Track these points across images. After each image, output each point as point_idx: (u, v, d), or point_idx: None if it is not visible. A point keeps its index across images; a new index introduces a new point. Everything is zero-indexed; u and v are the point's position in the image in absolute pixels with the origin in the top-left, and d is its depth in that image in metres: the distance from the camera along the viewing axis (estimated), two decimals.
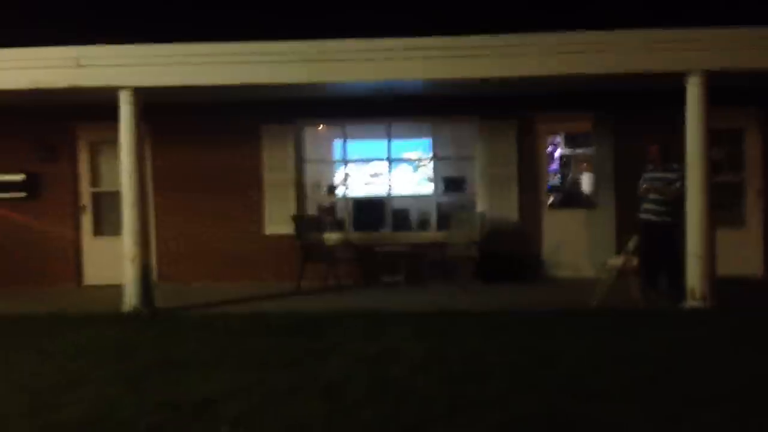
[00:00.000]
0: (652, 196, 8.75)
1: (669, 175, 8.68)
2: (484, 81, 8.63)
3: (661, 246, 8.70)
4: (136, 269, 8.41)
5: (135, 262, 8.41)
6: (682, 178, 8.51)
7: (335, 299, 9.35)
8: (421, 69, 8.45)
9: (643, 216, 8.86)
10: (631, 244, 8.54)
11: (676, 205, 8.63)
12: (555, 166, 12.99)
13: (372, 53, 8.38)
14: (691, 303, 8.18)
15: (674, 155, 8.83)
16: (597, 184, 10.78)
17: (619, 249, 9.83)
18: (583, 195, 11.92)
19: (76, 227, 10.85)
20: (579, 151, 12.34)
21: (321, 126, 11.32)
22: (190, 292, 10.09)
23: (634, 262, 8.52)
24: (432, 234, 10.79)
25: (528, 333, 6.97)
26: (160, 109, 10.01)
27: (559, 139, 12.93)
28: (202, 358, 6.21)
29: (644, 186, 8.86)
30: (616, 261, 8.60)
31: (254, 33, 8.50)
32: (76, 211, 10.87)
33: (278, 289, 9.94)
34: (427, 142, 11.40)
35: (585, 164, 11.90)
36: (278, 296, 9.59)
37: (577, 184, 12.77)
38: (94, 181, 10.84)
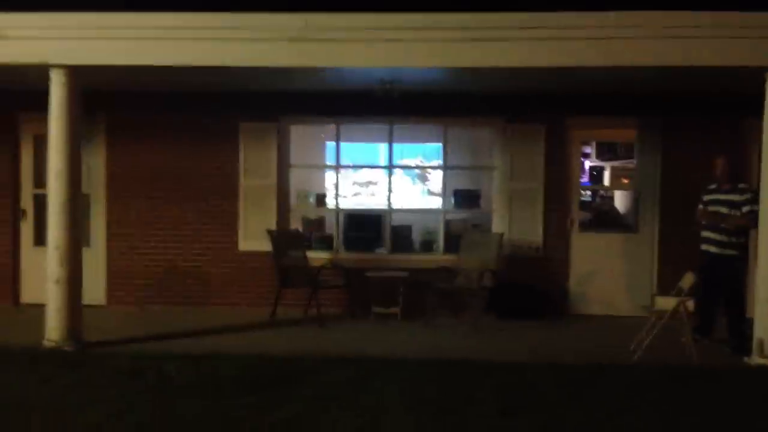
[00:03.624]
0: (713, 222, 7.05)
1: (735, 197, 7.00)
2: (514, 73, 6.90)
3: (722, 284, 7.11)
4: (61, 295, 6.70)
5: (60, 286, 6.70)
6: (752, 201, 6.83)
7: (314, 336, 7.71)
8: (438, 54, 6.67)
9: (703, 247, 7.19)
10: (687, 281, 6.82)
11: (743, 235, 7.03)
12: (584, 179, 11.23)
13: (374, 32, 6.63)
14: (757, 360, 6.47)
15: (739, 172, 7.30)
16: (638, 203, 9.01)
17: (662, 283, 8.34)
18: (619, 216, 10.16)
19: (14, 236, 9.15)
20: (615, 163, 10.58)
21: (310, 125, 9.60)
22: (142, 320, 8.41)
23: (690, 305, 6.79)
24: (438, 257, 9.05)
25: (560, 400, 5.24)
26: (116, 99, 8.70)
27: (589, 148, 11.21)
28: None
29: (703, 209, 7.16)
30: (667, 302, 6.82)
31: (224, 2, 6.77)
32: (15, 216, 9.18)
33: (250, 318, 8.31)
34: (436, 147, 9.77)
35: (623, 179, 10.14)
36: (247, 328, 7.97)
37: (610, 202, 11.02)
38: (38, 181, 9.07)
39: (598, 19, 6.38)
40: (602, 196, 11.45)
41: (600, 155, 11.22)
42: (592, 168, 11.64)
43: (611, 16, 6.32)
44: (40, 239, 8.91)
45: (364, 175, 10.60)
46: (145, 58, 6.73)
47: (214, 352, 6.51)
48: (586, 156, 11.23)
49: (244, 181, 9.03)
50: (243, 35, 6.66)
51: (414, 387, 5.50)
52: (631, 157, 9.91)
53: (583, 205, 9.49)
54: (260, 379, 5.68)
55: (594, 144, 11.02)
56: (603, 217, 10.20)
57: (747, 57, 6.37)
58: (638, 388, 5.60)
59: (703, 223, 7.19)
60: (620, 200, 10.79)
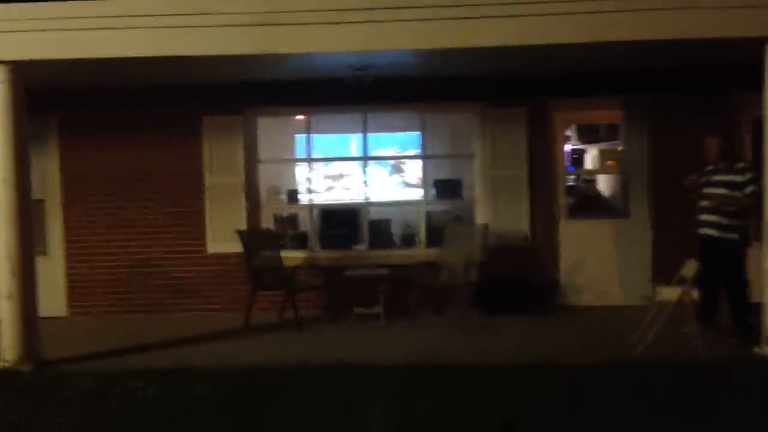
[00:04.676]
0: (712, 204, 6.63)
1: (735, 178, 6.62)
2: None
3: (723, 270, 6.70)
4: (15, 310, 6.13)
5: (13, 301, 6.12)
6: (753, 181, 6.46)
7: (291, 342, 7.20)
8: (411, 36, 6.12)
9: (701, 231, 6.77)
10: (690, 269, 6.40)
11: (744, 217, 6.62)
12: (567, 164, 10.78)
13: (344, 13, 6.08)
14: (766, 349, 6.05)
15: (734, 150, 7.01)
16: (626, 187, 8.59)
17: (657, 270, 7.93)
18: (605, 200, 9.74)
19: None
20: (598, 145, 10.15)
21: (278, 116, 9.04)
22: (106, 331, 7.82)
23: (694, 294, 6.38)
24: (420, 252, 8.53)
25: (563, 407, 4.79)
26: (69, 97, 8.15)
27: (569, 131, 10.76)
28: None
29: (702, 192, 6.76)
30: (671, 292, 6.39)
31: None
32: None
33: (223, 324, 7.78)
34: (414, 136, 9.22)
35: (608, 162, 9.71)
36: (220, 335, 7.44)
37: (594, 186, 10.61)
38: None
39: None
40: (585, 180, 11.04)
41: (581, 137, 10.78)
42: (573, 151, 11.20)
43: None
44: None
45: (337, 168, 10.06)
46: (95, 50, 6.14)
47: (185, 365, 6.04)
48: (567, 139, 10.78)
49: (209, 179, 8.46)
50: (202, 21, 6.08)
51: (403, 400, 5.02)
52: (615, 139, 9.51)
53: (567, 190, 9.05)
54: (234, 397, 5.18)
55: (574, 126, 10.56)
56: (588, 202, 9.76)
57: (746, 27, 5.93)
58: (647, 389, 5.17)
59: (702, 205, 6.78)
60: (604, 184, 10.38)
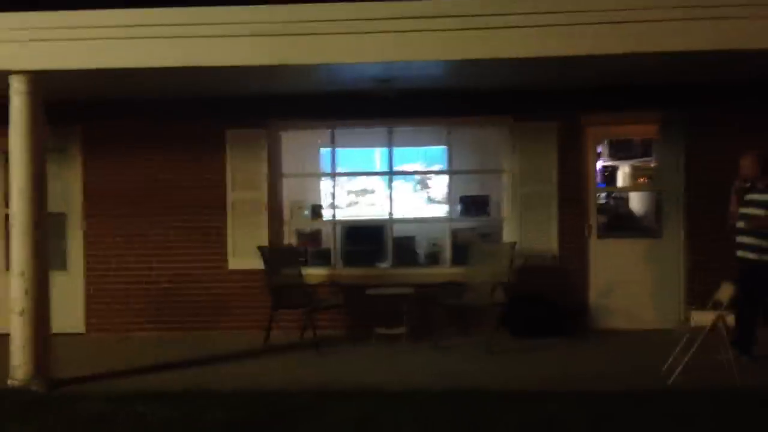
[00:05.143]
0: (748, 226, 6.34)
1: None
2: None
3: (761, 294, 6.38)
4: (27, 328, 5.99)
5: (25, 318, 5.98)
6: None
7: (311, 363, 6.95)
8: (438, 46, 5.90)
9: (739, 253, 6.46)
10: (725, 293, 6.08)
11: None
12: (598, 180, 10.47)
13: (368, 23, 5.88)
14: None
15: None
16: (660, 205, 8.27)
17: (691, 293, 7.67)
18: (636, 219, 9.41)
19: None
20: (630, 162, 9.81)
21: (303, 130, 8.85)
22: (123, 349, 7.68)
23: (730, 320, 6.07)
24: (445, 271, 8.26)
25: None
26: (93, 109, 8.06)
27: (600, 146, 10.45)
28: None
29: (734, 207, 6.47)
30: (705, 317, 6.07)
31: None
32: None
33: (241, 344, 7.59)
34: (440, 150, 8.92)
35: (641, 179, 9.39)
36: (239, 355, 7.24)
37: (625, 204, 10.26)
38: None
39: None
40: (615, 198, 10.69)
41: (612, 154, 10.44)
42: (604, 168, 10.87)
43: None
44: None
45: (361, 183, 9.84)
46: (112, 60, 6.04)
47: (200, 387, 5.82)
48: (599, 155, 10.47)
49: (232, 194, 8.30)
50: (216, 31, 5.92)
51: (426, 430, 4.76)
52: (648, 155, 9.18)
53: (598, 208, 8.74)
54: (248, 424, 4.96)
55: (605, 142, 10.24)
56: (619, 221, 9.42)
57: None
58: (683, 421, 4.86)
59: (738, 226, 6.47)
60: (636, 202, 10.05)
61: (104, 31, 5.95)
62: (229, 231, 8.28)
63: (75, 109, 7.93)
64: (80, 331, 8.31)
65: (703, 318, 6.10)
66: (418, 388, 5.69)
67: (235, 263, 8.27)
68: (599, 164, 10.00)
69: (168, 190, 8.33)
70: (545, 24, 5.78)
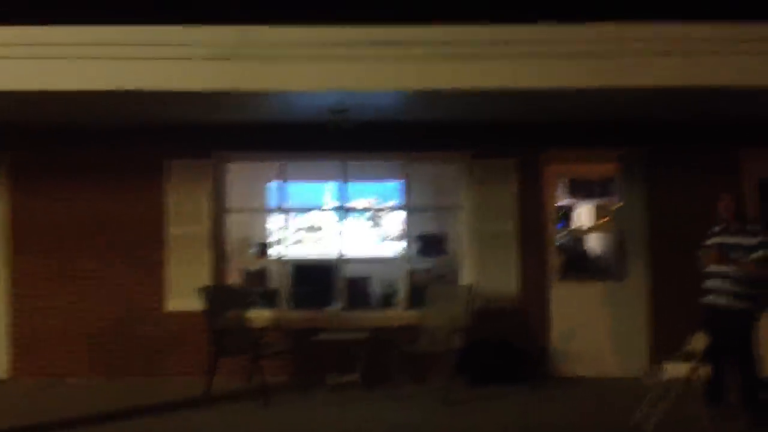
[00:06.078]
0: (722, 269, 5.99)
1: (748, 241, 5.96)
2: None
3: (733, 344, 5.97)
4: None
5: None
6: (764, 245, 5.84)
7: (256, 417, 6.37)
8: (399, 76, 5.64)
9: (709, 299, 6.12)
10: (699, 343, 5.77)
11: (760, 284, 5.93)
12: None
13: (323, 48, 5.54)
14: None
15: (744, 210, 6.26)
16: (621, 247, 8.00)
17: (657, 340, 7.43)
18: (596, 261, 9.13)
19: None
20: (588, 201, 9.56)
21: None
22: (51, 397, 7.07)
23: (704, 372, 5.77)
24: (400, 314, 7.86)
25: None
26: (21, 136, 7.57)
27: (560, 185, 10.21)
28: None
29: (709, 253, 6.14)
30: (677, 369, 5.76)
31: (142, 13, 5.59)
32: None
33: (180, 392, 7.01)
34: (395, 186, 8.60)
35: (602, 219, 9.12)
36: (176, 406, 6.65)
37: (582, 244, 9.99)
38: None
39: (595, 33, 5.37)
40: (574, 238, 10.43)
41: (573, 193, 10.20)
42: (559, 207, 10.62)
43: (610, 29, 5.32)
44: None
45: (312, 219, 9.41)
46: (34, 81, 5.58)
47: None
48: (558, 194, 10.21)
49: (172, 229, 7.76)
50: (163, 53, 5.50)
51: None
52: (608, 195, 8.94)
53: (557, 248, 8.44)
54: None
55: (565, 181, 10.01)
56: (576, 262, 9.14)
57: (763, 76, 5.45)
58: None
59: (708, 270, 6.17)
60: (594, 242, 9.79)
61: (31, 50, 5.48)
62: (169, 268, 7.73)
63: (2, 136, 7.41)
64: (3, 378, 7.65)
65: (676, 370, 5.79)
66: None
67: (173, 304, 7.71)
68: (558, 203, 9.75)
69: (103, 225, 7.79)
70: (510, 55, 5.49)
